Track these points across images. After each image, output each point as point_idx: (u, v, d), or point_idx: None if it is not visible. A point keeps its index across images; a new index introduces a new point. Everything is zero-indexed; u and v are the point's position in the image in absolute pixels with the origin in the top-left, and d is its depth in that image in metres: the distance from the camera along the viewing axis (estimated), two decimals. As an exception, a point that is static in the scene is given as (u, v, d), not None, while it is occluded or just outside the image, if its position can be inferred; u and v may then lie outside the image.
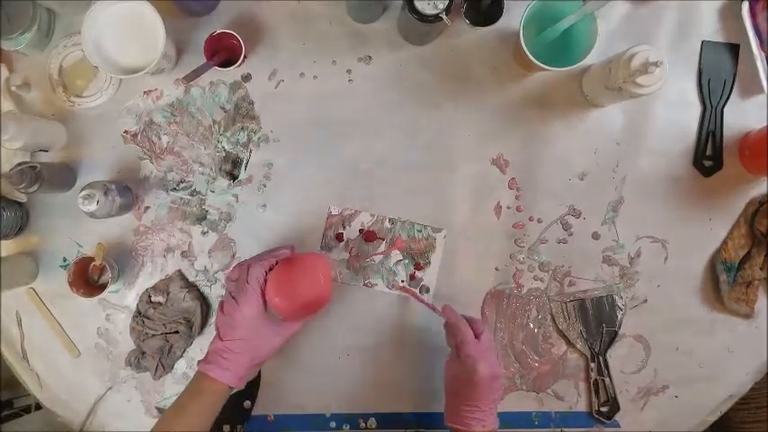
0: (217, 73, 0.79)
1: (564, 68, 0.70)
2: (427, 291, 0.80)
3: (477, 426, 0.66)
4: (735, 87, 0.82)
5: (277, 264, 0.69)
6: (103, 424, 0.80)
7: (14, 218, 0.76)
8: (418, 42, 0.80)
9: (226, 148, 0.80)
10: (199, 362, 0.66)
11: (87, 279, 0.78)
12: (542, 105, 0.81)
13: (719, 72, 0.82)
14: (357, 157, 0.80)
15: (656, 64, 0.65)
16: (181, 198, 0.80)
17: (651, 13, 0.81)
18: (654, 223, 0.82)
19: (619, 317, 0.81)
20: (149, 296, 0.79)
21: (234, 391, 0.66)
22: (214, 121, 0.80)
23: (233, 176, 0.80)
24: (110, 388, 0.79)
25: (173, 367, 0.79)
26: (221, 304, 0.68)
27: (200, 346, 0.80)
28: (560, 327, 0.81)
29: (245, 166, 0.80)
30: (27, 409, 1.17)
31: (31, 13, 0.72)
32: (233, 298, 0.66)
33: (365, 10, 0.78)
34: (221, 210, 0.80)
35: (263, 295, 0.67)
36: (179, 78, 0.75)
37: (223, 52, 0.76)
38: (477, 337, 0.69)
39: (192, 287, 0.80)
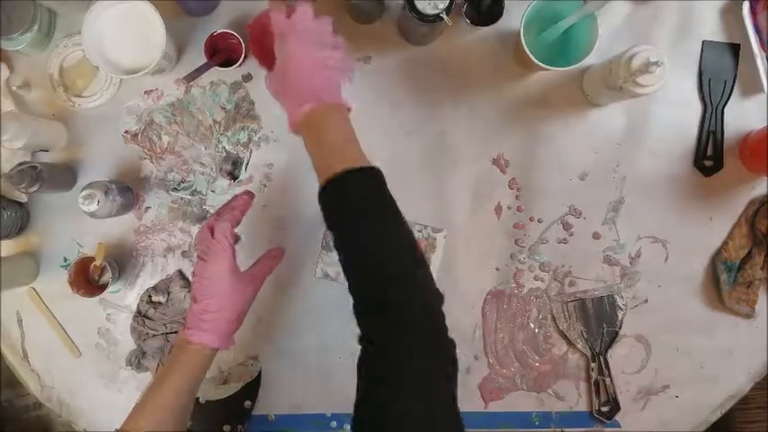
0: (217, 73, 0.79)
1: (564, 68, 0.70)
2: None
3: (302, 107, 0.58)
4: (735, 87, 0.81)
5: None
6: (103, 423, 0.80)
7: (15, 218, 0.76)
8: (418, 42, 0.80)
9: (226, 148, 0.80)
10: (179, 331, 0.64)
11: (88, 279, 0.78)
12: (543, 105, 0.81)
13: (720, 72, 0.82)
14: (357, 157, 0.80)
15: (656, 64, 0.65)
16: (181, 198, 0.80)
17: (651, 13, 0.81)
18: (654, 223, 0.82)
19: (619, 317, 0.81)
20: (150, 296, 0.79)
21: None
22: (214, 121, 0.80)
23: (233, 176, 0.80)
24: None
25: (173, 367, 0.79)
26: (193, 271, 0.65)
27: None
28: (561, 327, 0.81)
29: (246, 167, 0.80)
30: (27, 409, 1.17)
31: (32, 13, 0.72)
32: (202, 259, 0.64)
33: (365, 10, 0.78)
34: (222, 210, 0.80)
35: (232, 250, 0.64)
36: (179, 78, 0.75)
37: (223, 52, 0.76)
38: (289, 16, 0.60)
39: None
